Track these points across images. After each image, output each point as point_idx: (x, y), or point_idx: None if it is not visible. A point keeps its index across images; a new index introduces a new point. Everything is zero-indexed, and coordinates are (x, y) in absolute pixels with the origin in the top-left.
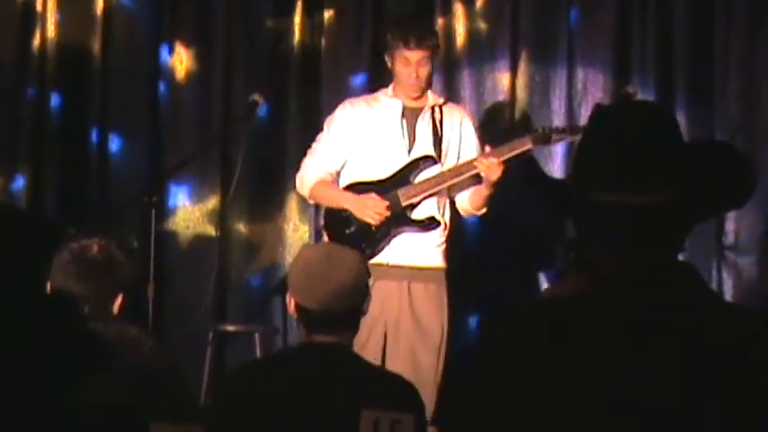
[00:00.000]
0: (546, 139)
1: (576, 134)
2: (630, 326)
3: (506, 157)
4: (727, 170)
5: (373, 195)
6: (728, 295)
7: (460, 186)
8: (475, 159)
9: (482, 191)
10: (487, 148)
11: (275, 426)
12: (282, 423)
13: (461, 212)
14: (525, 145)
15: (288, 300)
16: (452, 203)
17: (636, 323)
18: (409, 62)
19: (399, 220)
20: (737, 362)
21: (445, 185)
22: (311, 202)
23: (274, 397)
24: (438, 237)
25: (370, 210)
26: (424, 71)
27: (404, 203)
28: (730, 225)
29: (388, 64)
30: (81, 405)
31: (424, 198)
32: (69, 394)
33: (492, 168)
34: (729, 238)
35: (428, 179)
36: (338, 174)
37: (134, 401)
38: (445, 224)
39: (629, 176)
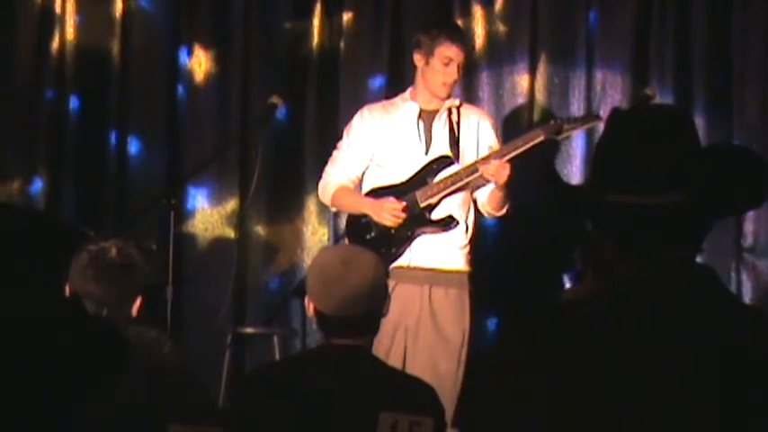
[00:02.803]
0: (558, 130)
1: (587, 122)
2: (648, 327)
3: (518, 152)
4: (743, 170)
5: (390, 198)
6: (747, 297)
7: (478, 184)
8: (486, 157)
9: (495, 192)
10: (496, 145)
11: (294, 427)
12: (301, 425)
13: (484, 213)
14: (538, 137)
15: (306, 303)
16: (476, 205)
17: (654, 325)
18: (451, 61)
19: (418, 221)
20: (756, 363)
21: (462, 183)
22: (333, 209)
23: (293, 399)
24: (460, 239)
25: (387, 212)
26: (460, 72)
27: (422, 204)
28: (749, 227)
29: (419, 63)
30: (100, 405)
31: (442, 198)
32: (97, 394)
33: (498, 171)
34: (748, 240)
35: (444, 179)
36: (360, 180)
37: (152, 403)
38: (467, 225)
39: (646, 177)
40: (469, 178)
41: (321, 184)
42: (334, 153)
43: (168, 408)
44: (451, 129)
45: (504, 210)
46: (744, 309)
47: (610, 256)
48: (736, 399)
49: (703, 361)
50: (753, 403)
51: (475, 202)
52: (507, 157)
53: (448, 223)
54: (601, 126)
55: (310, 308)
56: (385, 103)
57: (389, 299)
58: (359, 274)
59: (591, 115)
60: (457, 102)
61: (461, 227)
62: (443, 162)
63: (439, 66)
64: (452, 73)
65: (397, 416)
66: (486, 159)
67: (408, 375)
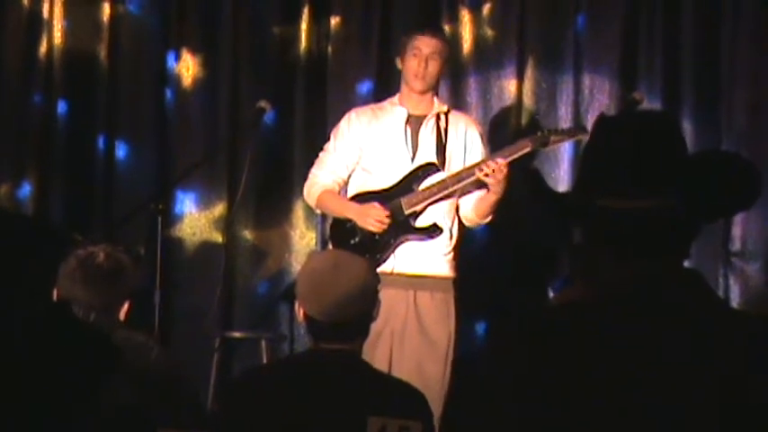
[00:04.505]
0: (544, 141)
1: (574, 135)
2: (637, 332)
3: (509, 159)
4: (730, 172)
5: (375, 204)
6: (735, 302)
7: (463, 192)
8: (477, 164)
9: (489, 197)
10: (483, 154)
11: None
12: (289, 429)
13: (466, 223)
14: (525, 147)
15: (297, 308)
16: (458, 213)
17: (642, 329)
18: (420, 53)
19: (403, 228)
20: (745, 367)
21: (447, 192)
22: (318, 211)
23: (281, 403)
24: (444, 246)
25: (371, 218)
26: (434, 65)
27: (407, 212)
28: (737, 231)
29: (400, 66)
30: (87, 410)
31: (427, 205)
32: (84, 399)
33: (498, 169)
34: (736, 245)
35: (430, 186)
36: (346, 183)
37: (141, 407)
38: (451, 234)
39: (633, 182)
40: (455, 187)
41: (306, 185)
42: (321, 155)
43: (156, 412)
44: (439, 135)
45: (489, 218)
46: (732, 313)
47: (598, 260)
48: (727, 402)
49: (692, 365)
50: (743, 406)
51: (458, 211)
52: (508, 160)
53: (432, 231)
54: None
55: (300, 312)
56: (373, 106)
57: (379, 303)
58: (349, 278)
59: (578, 128)
60: (445, 107)
61: (445, 234)
62: (429, 169)
63: (411, 59)
64: (422, 63)
65: (385, 420)
66: (488, 159)
67: (397, 380)
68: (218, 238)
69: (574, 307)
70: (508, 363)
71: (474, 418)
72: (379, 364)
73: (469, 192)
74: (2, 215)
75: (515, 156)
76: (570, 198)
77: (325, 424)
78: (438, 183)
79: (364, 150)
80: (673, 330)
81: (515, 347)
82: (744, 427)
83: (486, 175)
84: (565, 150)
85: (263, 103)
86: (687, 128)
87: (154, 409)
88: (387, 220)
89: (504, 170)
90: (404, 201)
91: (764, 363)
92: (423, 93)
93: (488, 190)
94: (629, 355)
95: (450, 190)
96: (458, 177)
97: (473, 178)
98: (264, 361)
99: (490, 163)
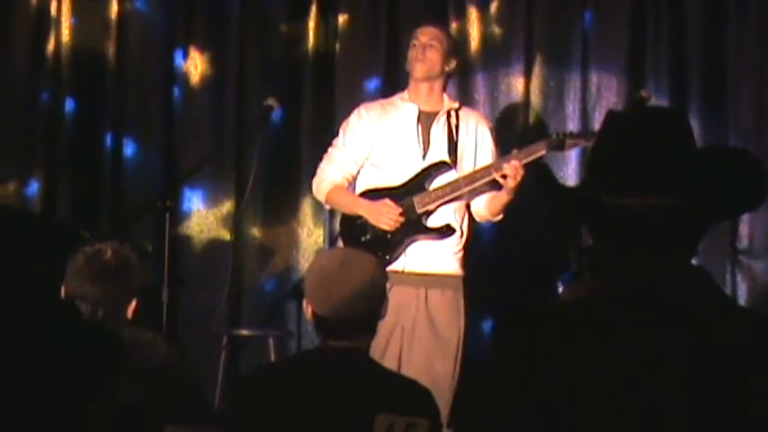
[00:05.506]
0: (560, 144)
1: (590, 139)
2: (644, 329)
3: (525, 161)
4: (740, 173)
5: (387, 201)
6: (742, 299)
7: (476, 192)
8: (491, 165)
9: (501, 197)
10: (515, 151)
11: (289, 429)
12: (296, 426)
13: (477, 218)
14: (540, 150)
15: (305, 306)
16: (468, 209)
17: (649, 327)
18: (418, 42)
19: (415, 227)
20: (751, 366)
21: (460, 193)
22: (327, 207)
23: (289, 400)
24: (455, 244)
25: (384, 216)
26: (433, 52)
27: (419, 210)
28: (744, 229)
29: (408, 68)
30: (95, 407)
31: (440, 205)
32: (91, 396)
33: (514, 170)
34: (743, 242)
35: (443, 186)
36: (354, 178)
37: (148, 404)
38: (462, 232)
39: (640, 179)
40: (468, 188)
41: (315, 180)
42: (330, 150)
43: (164, 409)
44: (450, 133)
45: (501, 216)
46: (738, 311)
47: (606, 258)
48: (733, 399)
49: (693, 364)
50: (743, 405)
51: (468, 206)
52: (524, 162)
53: (445, 232)
54: None
55: (308, 310)
56: (383, 102)
57: (387, 301)
58: (356, 276)
59: (593, 132)
60: (456, 104)
61: (456, 232)
62: (441, 168)
63: (411, 50)
64: (419, 49)
65: (393, 418)
66: (505, 159)
67: (404, 377)
68: (225, 235)
69: (577, 304)
70: (512, 361)
71: (480, 417)
72: (390, 361)
73: (482, 192)
74: (10, 212)
75: (531, 158)
76: (578, 195)
77: (332, 422)
78: (451, 183)
79: (374, 146)
80: (673, 329)
81: (519, 346)
82: (744, 427)
83: (504, 176)
84: (573, 150)
85: (270, 101)
86: (694, 124)
87: (161, 405)
88: (400, 219)
89: (522, 172)
90: (416, 199)
91: (765, 362)
92: (424, 80)
93: (500, 190)
94: (629, 353)
95: (463, 191)
96: (471, 178)
97: (486, 179)
98: (272, 358)
99: (506, 165)
